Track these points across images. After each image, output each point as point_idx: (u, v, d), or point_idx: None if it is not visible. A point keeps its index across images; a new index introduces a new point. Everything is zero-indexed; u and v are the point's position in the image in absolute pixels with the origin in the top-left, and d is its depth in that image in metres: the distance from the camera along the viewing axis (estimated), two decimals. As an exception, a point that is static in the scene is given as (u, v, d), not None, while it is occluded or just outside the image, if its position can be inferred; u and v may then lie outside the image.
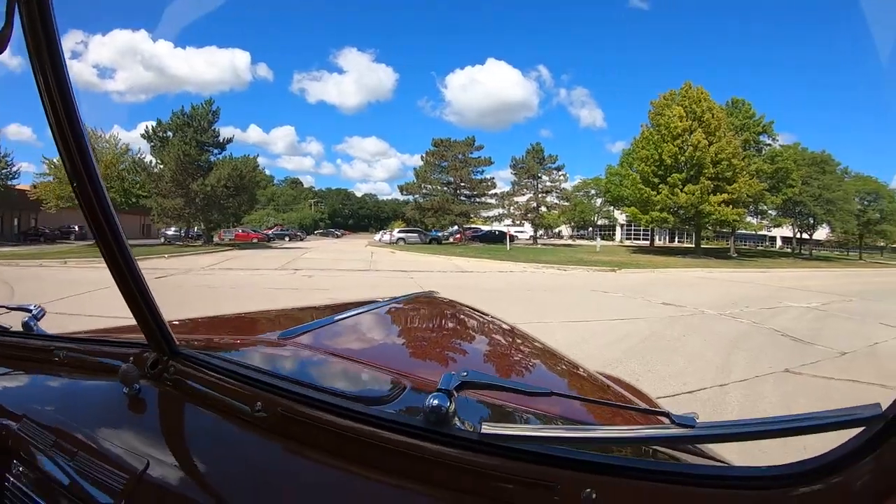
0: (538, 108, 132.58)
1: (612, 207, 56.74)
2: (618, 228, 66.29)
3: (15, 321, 1.54)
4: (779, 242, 60.60)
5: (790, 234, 53.99)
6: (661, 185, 37.14)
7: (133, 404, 1.09)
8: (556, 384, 1.59)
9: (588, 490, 0.69)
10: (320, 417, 0.90)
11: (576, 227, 67.40)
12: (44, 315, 1.55)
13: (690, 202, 36.03)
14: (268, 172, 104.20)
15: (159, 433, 1.04)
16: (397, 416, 0.87)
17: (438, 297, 2.62)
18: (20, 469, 1.05)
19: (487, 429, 0.76)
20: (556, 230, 63.64)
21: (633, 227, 60.15)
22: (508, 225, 52.08)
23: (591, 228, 68.11)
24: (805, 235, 50.30)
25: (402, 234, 45.00)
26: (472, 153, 49.26)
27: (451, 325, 2.31)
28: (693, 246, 42.92)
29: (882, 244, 58.69)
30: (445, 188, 49.16)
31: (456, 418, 0.82)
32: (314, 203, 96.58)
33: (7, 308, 1.60)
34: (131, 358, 1.17)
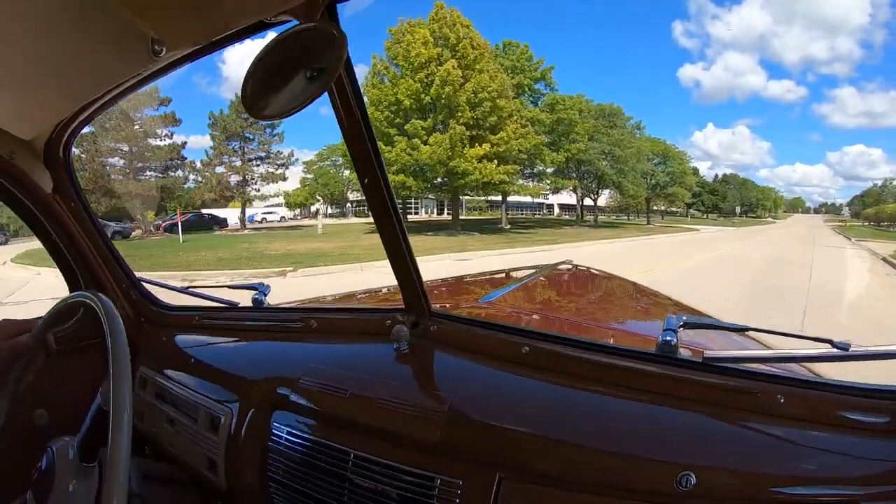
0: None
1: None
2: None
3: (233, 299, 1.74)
4: (556, 210, 51.22)
5: (570, 202, 45.88)
6: (398, 137, 25.24)
7: (409, 358, 1.31)
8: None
9: (779, 396, 0.97)
10: (572, 354, 1.17)
11: (332, 203, 52.28)
12: (269, 291, 1.74)
13: (437, 158, 24.29)
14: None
15: (445, 377, 1.30)
16: (638, 349, 1.17)
17: (576, 265, 3.04)
18: (299, 422, 1.29)
19: (709, 354, 1.07)
20: (314, 209, 49.70)
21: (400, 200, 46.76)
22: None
23: (347, 204, 53.56)
24: (589, 201, 42.40)
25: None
26: (156, 109, 30.78)
27: (604, 287, 2.81)
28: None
29: (663, 208, 55.66)
30: (118, 159, 30.95)
31: (680, 349, 1.11)
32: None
33: (238, 287, 1.80)
34: (388, 322, 1.39)
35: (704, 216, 67.87)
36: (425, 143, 24.41)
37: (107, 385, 0.87)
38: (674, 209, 58.58)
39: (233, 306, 1.75)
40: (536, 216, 52.20)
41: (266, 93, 0.84)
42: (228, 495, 1.37)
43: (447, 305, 1.71)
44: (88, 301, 1.06)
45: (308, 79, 0.81)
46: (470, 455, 1.08)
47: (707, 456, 0.95)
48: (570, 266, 2.98)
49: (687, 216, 61.84)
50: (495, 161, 25.19)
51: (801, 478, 0.90)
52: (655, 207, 53.80)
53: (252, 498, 1.32)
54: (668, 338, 1.11)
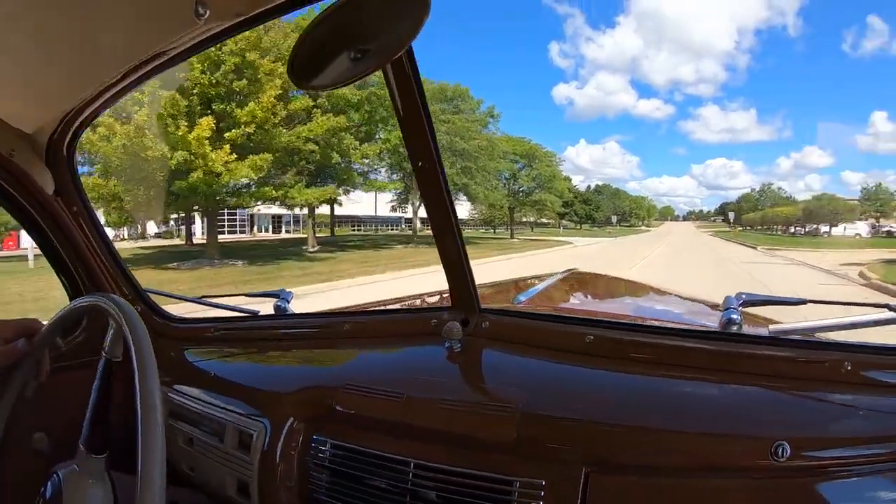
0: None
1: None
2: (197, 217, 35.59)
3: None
4: (418, 224, 40.77)
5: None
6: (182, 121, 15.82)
7: (464, 356, 1.24)
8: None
9: (846, 363, 0.98)
10: (638, 340, 1.15)
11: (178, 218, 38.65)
12: (292, 297, 1.64)
13: (131, 141, 14.67)
14: None
15: (508, 373, 1.22)
16: (703, 329, 1.19)
17: (584, 271, 3.06)
18: (345, 433, 1.18)
19: (774, 328, 1.08)
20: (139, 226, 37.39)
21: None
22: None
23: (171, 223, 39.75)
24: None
25: None
26: None
27: (623, 286, 2.97)
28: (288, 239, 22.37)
29: (532, 219, 49.66)
30: None
31: (744, 326, 1.14)
32: None
33: (257, 295, 1.70)
34: (433, 321, 1.31)
35: (578, 227, 63.89)
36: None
37: (135, 400, 0.78)
38: (544, 220, 52.77)
39: (253, 315, 1.65)
40: (392, 232, 42.91)
41: (319, 63, 0.79)
42: None
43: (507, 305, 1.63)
44: (106, 306, 0.92)
45: (353, 59, 0.76)
46: (551, 452, 1.02)
47: (793, 426, 0.95)
48: (578, 273, 2.94)
49: (559, 227, 56.56)
50: (227, 148, 15.97)
51: (876, 437, 0.93)
52: (525, 218, 47.44)
53: None
54: (733, 315, 1.14)
